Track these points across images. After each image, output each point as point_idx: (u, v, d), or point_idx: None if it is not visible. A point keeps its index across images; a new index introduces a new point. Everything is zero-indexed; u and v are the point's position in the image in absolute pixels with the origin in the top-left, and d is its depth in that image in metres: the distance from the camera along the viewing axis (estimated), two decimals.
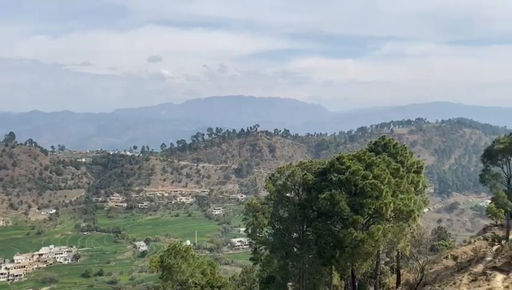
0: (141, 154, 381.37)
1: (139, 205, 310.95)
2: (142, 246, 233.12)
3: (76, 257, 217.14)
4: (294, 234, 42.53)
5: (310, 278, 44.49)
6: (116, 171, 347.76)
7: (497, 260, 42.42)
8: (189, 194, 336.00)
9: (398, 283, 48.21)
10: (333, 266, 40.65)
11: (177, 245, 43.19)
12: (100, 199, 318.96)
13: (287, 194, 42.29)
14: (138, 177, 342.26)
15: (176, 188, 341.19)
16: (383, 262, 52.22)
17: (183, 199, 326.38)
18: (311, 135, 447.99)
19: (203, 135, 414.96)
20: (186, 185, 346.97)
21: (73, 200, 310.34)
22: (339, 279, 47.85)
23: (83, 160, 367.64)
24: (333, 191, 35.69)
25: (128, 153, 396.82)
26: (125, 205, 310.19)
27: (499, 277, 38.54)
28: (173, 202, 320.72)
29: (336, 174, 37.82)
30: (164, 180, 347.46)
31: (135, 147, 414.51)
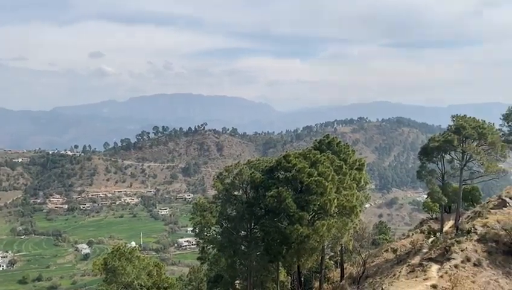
0: (83, 154, 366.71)
1: (81, 207, 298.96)
2: (85, 249, 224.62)
3: (12, 263, 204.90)
4: (242, 232, 42.72)
5: (257, 275, 44.90)
6: (56, 171, 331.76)
7: (432, 252, 45.07)
8: (134, 194, 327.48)
9: (342, 276, 49.83)
10: (280, 262, 41.31)
11: (121, 247, 41.99)
12: (39, 200, 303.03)
13: (235, 193, 42.38)
14: (80, 178, 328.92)
15: (120, 189, 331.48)
16: (327, 257, 53.76)
17: (128, 200, 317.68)
18: (259, 133, 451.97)
19: (149, 133, 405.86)
20: (131, 185, 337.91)
21: (8, 202, 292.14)
22: (286, 275, 48.70)
23: (20, 160, 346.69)
24: (280, 188, 36.27)
25: (69, 153, 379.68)
26: (66, 206, 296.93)
27: (434, 267, 40.98)
28: (117, 203, 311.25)
29: (282, 172, 38.47)
30: (107, 180, 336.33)
31: (76, 146, 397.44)
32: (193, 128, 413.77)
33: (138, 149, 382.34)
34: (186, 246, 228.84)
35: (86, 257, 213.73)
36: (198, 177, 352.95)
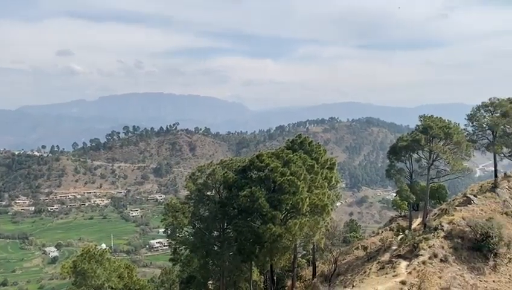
0: (51, 154, 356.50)
1: (49, 209, 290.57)
2: (53, 252, 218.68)
3: None
4: (215, 232, 42.60)
5: (230, 276, 44.88)
6: (22, 172, 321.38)
7: (401, 249, 46.19)
8: (104, 195, 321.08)
9: (314, 274, 50.42)
10: (253, 262, 41.41)
11: (91, 249, 41.14)
12: (4, 203, 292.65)
13: (208, 193, 42.25)
14: (47, 179, 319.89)
15: (90, 190, 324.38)
16: (299, 255, 54.25)
17: (98, 201, 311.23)
18: (232, 133, 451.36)
19: (119, 133, 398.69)
20: (101, 186, 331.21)
21: None
22: (259, 274, 48.87)
23: None
24: (253, 188, 36.38)
25: (36, 153, 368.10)
26: (32, 208, 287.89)
27: (403, 263, 42.04)
28: (87, 204, 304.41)
29: (255, 172, 38.60)
30: (76, 181, 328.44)
31: (44, 147, 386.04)
32: (165, 128, 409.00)
33: (108, 149, 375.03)
34: (158, 247, 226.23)
35: (54, 260, 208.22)
36: (170, 178, 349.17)
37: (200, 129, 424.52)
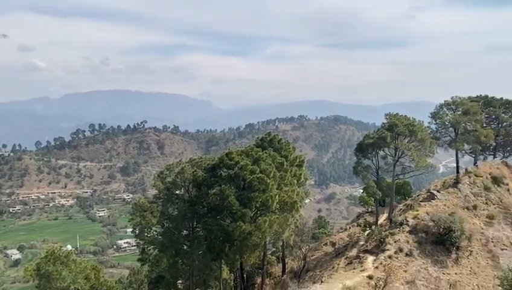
0: (12, 154, 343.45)
1: (11, 210, 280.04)
2: (15, 254, 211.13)
3: None
4: (184, 231, 42.27)
5: (200, 274, 44.65)
6: None
7: (368, 244, 47.21)
8: (70, 195, 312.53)
9: (283, 271, 50.81)
10: (223, 260, 41.35)
11: (56, 250, 40.00)
12: None
13: (177, 192, 41.85)
14: (9, 179, 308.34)
15: (54, 190, 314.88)
16: (269, 252, 54.57)
17: (63, 201, 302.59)
18: (202, 131, 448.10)
19: (84, 131, 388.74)
20: (66, 186, 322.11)
21: None
22: (228, 272, 48.84)
23: None
24: (223, 186, 36.30)
25: None
26: None
27: (370, 258, 43.00)
28: (51, 205, 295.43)
29: (225, 170, 38.52)
30: (40, 181, 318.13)
31: (5, 146, 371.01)
32: (132, 126, 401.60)
33: (73, 148, 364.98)
34: (125, 247, 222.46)
35: (16, 262, 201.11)
36: (138, 177, 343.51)
37: (169, 127, 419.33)
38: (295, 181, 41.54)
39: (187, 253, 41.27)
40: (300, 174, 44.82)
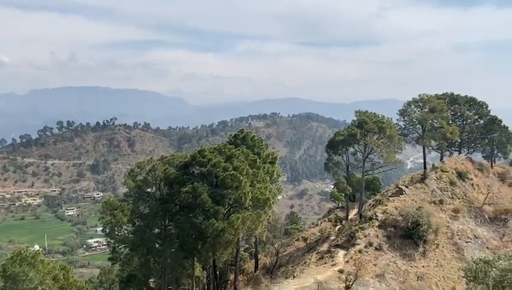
0: None
1: None
2: None
3: None
4: (156, 229, 41.90)
5: (172, 272, 44.38)
6: None
7: (339, 239, 48.09)
8: (37, 194, 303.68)
9: (256, 267, 51.13)
10: (195, 258, 41.24)
11: (22, 251, 38.78)
12: None
13: (148, 190, 41.41)
14: None
15: (20, 189, 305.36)
16: (242, 249, 54.74)
17: (30, 200, 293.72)
18: (173, 128, 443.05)
19: (52, 129, 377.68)
20: (33, 185, 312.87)
21: None
22: (201, 270, 48.74)
23: None
24: (195, 184, 36.15)
25: None
26: None
27: (341, 253, 43.83)
28: (17, 204, 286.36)
29: (198, 167, 38.36)
30: (5, 180, 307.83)
31: None
32: (102, 123, 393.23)
33: (40, 146, 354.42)
34: (96, 247, 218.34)
35: None
36: (108, 175, 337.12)
37: (139, 124, 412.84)
38: (268, 178, 41.78)
39: (159, 251, 40.92)
40: (273, 171, 45.12)
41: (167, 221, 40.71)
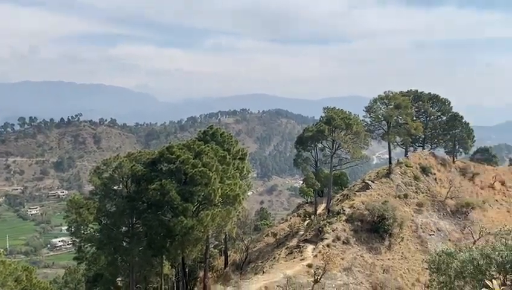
0: None
1: None
2: None
3: None
4: (123, 227, 41.11)
5: (140, 271, 43.74)
6: None
7: (308, 233, 48.72)
8: None
9: (226, 264, 51.12)
10: (164, 256, 40.80)
11: None
12: None
13: (115, 187, 40.55)
14: None
15: None
16: (212, 246, 54.59)
17: None
18: (141, 124, 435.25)
19: (13, 125, 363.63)
20: None
21: None
22: (170, 267, 48.30)
23: None
24: (163, 181, 35.68)
25: None
26: None
27: (310, 247, 44.43)
28: None
29: (166, 164, 37.86)
30: None
31: None
32: (66, 119, 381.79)
33: (1, 143, 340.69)
34: (61, 246, 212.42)
35: None
36: (73, 172, 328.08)
37: (106, 120, 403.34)
38: (238, 174, 41.76)
39: (126, 250, 40.20)
40: (243, 167, 45.13)
41: (135, 219, 40.04)
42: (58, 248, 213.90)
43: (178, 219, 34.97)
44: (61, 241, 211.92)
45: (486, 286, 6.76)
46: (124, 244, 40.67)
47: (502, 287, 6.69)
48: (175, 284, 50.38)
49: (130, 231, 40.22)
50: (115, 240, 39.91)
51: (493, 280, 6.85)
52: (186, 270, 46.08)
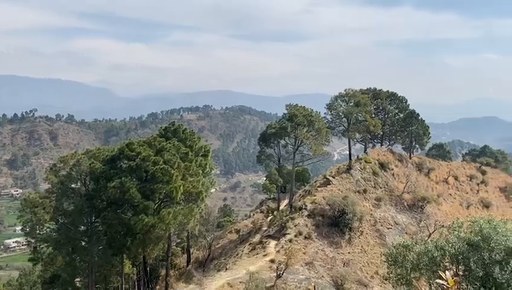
0: None
1: None
2: None
3: None
4: (82, 227, 39.95)
5: (100, 271, 42.67)
6: None
7: (270, 229, 49.12)
8: None
9: (188, 261, 50.71)
10: (125, 255, 39.97)
11: None
12: None
13: (73, 185, 39.29)
14: None
15: None
16: (174, 244, 54.04)
17: None
18: (100, 120, 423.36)
19: None
20: None
21: None
22: (131, 266, 47.34)
23: None
24: (123, 178, 34.93)
25: None
26: None
27: (272, 243, 44.81)
28: None
29: (126, 161, 37.05)
30: None
31: None
32: (20, 115, 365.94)
33: None
34: (15, 247, 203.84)
35: None
36: (28, 170, 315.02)
37: (63, 116, 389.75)
38: (200, 171, 41.45)
39: (85, 249, 39.08)
40: (206, 164, 44.83)
41: (94, 218, 38.99)
42: (12, 249, 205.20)
43: (139, 217, 34.35)
44: (16, 242, 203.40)
45: (440, 277, 7.04)
46: (83, 243, 39.57)
47: (454, 278, 6.99)
48: (136, 283, 49.52)
49: (89, 230, 39.14)
50: (73, 239, 38.76)
51: (446, 271, 7.14)
52: (148, 269, 45.40)
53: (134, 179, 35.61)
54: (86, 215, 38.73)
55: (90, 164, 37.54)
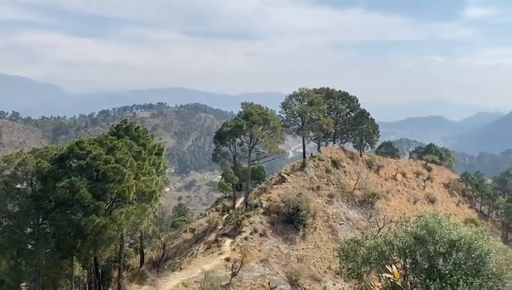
0: None
1: None
2: None
3: None
4: (28, 229, 38.13)
5: (48, 274, 40.90)
6: None
7: (226, 228, 49.11)
8: None
9: (142, 262, 49.73)
10: (74, 257, 38.59)
11: None
12: None
13: (18, 186, 37.39)
14: None
15: None
16: (127, 244, 52.77)
17: None
18: (48, 118, 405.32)
19: None
20: None
21: None
22: (81, 269, 45.74)
23: None
24: (73, 178, 33.67)
25: None
26: None
27: (228, 241, 44.83)
28: None
29: (76, 160, 35.75)
30: None
31: None
32: None
33: None
34: None
35: None
36: None
37: (7, 113, 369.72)
38: (154, 170, 40.69)
39: (31, 252, 37.35)
40: (160, 162, 44.08)
41: (41, 219, 37.32)
42: None
43: (89, 217, 33.24)
44: None
45: (387, 270, 7.36)
46: (29, 246, 37.77)
47: (400, 271, 7.32)
48: (87, 286, 47.94)
49: (36, 232, 37.42)
50: (18, 242, 36.90)
51: (393, 265, 7.47)
52: (100, 270, 44.07)
53: (84, 179, 34.40)
54: (33, 216, 37.03)
55: (37, 163, 35.90)
